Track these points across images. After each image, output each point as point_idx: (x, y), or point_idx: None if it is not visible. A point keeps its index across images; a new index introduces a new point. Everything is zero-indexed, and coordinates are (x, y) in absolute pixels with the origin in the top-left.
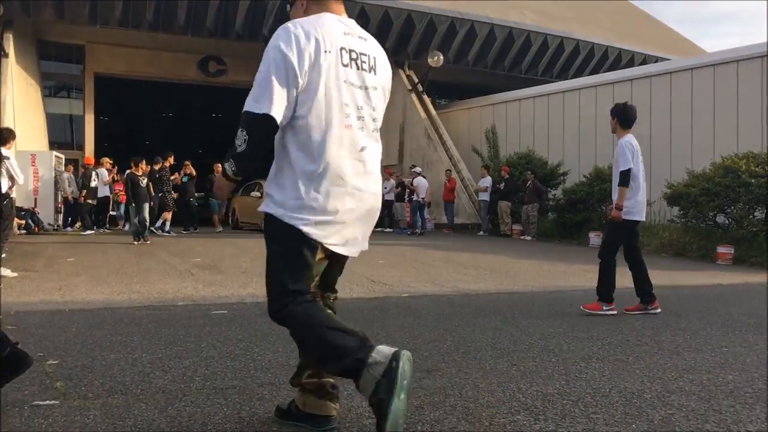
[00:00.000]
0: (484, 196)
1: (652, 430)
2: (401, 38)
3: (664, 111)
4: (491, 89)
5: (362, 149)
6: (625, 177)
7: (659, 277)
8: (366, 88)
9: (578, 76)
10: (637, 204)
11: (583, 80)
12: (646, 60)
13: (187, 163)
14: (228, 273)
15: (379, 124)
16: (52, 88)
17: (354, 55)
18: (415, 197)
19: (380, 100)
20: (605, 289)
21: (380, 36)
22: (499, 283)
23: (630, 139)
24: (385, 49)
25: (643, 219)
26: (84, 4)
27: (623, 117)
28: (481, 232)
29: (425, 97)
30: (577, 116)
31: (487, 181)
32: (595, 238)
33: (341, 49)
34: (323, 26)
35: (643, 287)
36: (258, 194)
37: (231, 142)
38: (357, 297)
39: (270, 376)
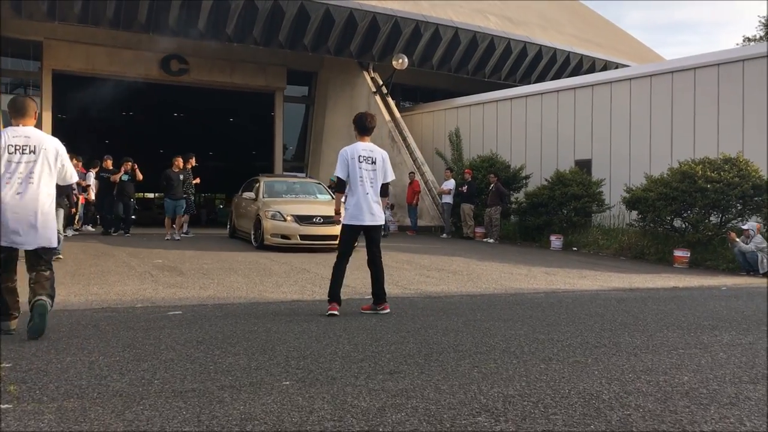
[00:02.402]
0: (448, 199)
1: (610, 431)
2: (366, 40)
3: (623, 116)
4: (455, 93)
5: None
6: (336, 184)
7: (618, 279)
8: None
9: (541, 81)
10: (356, 209)
11: (546, 85)
12: (606, 66)
13: (128, 160)
14: (189, 275)
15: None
16: (9, 84)
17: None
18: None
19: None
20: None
21: (344, 38)
22: (462, 285)
23: (350, 147)
24: (350, 51)
25: (365, 224)
26: (42, 2)
27: (357, 125)
28: (445, 235)
29: (389, 99)
30: (540, 120)
31: (450, 183)
32: (556, 242)
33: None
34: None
35: (374, 289)
36: (253, 194)
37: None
38: (320, 299)
39: (231, 379)
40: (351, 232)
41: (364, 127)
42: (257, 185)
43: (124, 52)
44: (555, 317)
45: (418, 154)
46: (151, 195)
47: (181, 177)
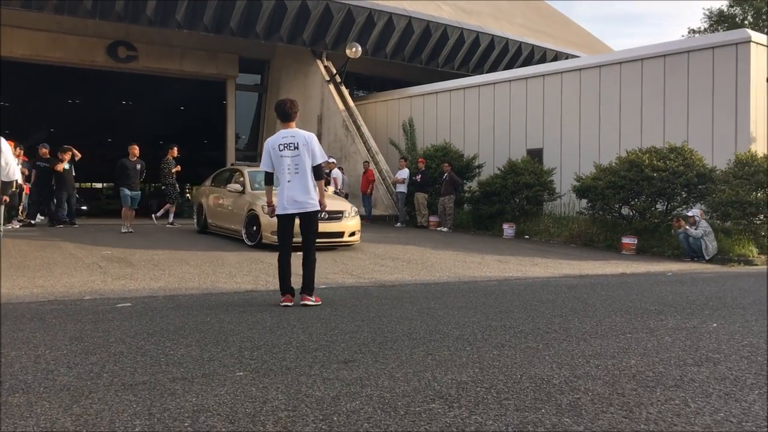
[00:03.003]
0: (402, 188)
1: (560, 414)
2: (319, 29)
3: (573, 106)
4: (409, 82)
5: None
6: (265, 177)
7: (569, 266)
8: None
9: (493, 71)
10: (280, 199)
11: (498, 75)
12: (557, 57)
13: (68, 149)
14: (139, 266)
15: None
16: None
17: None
18: (332, 189)
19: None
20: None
21: (297, 26)
22: (416, 274)
23: (273, 137)
24: (303, 40)
25: (289, 212)
26: None
27: (278, 112)
28: (399, 224)
29: (343, 88)
30: (492, 110)
31: (404, 173)
32: (508, 230)
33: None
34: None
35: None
36: (239, 186)
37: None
38: (274, 289)
39: (183, 371)
40: (281, 223)
41: (285, 113)
42: (240, 177)
43: (69, 38)
44: (507, 304)
45: (372, 143)
46: (99, 185)
47: (138, 166)
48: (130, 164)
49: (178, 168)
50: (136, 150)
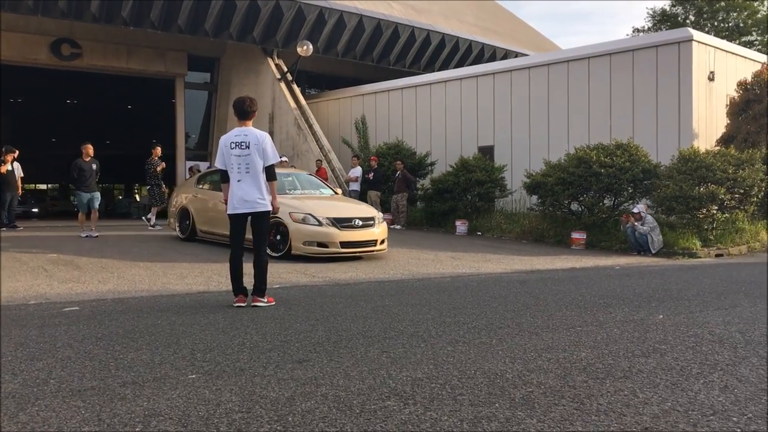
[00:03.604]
0: (355, 186)
1: (514, 408)
2: (269, 27)
3: (523, 104)
4: (361, 80)
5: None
6: (220, 175)
7: (520, 262)
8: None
9: (444, 69)
10: (230, 198)
11: (449, 73)
12: (507, 55)
13: (11, 150)
14: (86, 269)
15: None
16: None
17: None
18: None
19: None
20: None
21: (247, 23)
22: (370, 272)
23: (226, 134)
24: (253, 37)
25: (238, 212)
26: None
27: (236, 109)
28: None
29: (295, 86)
30: (444, 108)
31: (357, 171)
32: (461, 227)
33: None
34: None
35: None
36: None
37: (89, 128)
38: (227, 290)
39: (133, 375)
40: (232, 222)
41: (242, 111)
42: None
43: (11, 35)
44: (461, 300)
45: (324, 141)
46: (43, 186)
47: (94, 166)
48: (85, 165)
49: (163, 165)
50: (90, 150)
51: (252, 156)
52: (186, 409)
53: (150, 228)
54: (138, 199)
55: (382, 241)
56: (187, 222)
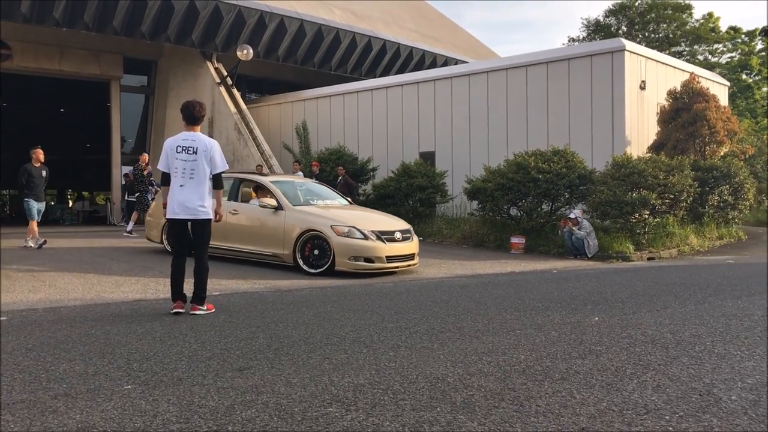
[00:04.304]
0: None
1: (455, 412)
2: (208, 30)
3: (463, 110)
4: (302, 85)
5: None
6: (161, 177)
7: (461, 267)
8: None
9: (386, 75)
10: (171, 202)
11: (390, 79)
12: (447, 62)
13: None
14: (15, 278)
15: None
16: None
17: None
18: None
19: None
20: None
21: (185, 26)
22: (311, 278)
23: (173, 137)
24: (191, 40)
25: (178, 218)
26: None
27: (184, 113)
28: None
29: (235, 90)
30: (385, 114)
31: (298, 176)
32: None
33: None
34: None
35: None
36: (274, 202)
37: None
38: (165, 297)
39: (65, 387)
40: (171, 227)
41: (191, 116)
42: (267, 191)
43: None
44: (402, 305)
45: (265, 146)
46: None
47: (44, 173)
48: (35, 171)
49: (149, 168)
50: (41, 155)
51: (198, 162)
52: (121, 421)
53: (125, 234)
54: (71, 204)
55: (416, 255)
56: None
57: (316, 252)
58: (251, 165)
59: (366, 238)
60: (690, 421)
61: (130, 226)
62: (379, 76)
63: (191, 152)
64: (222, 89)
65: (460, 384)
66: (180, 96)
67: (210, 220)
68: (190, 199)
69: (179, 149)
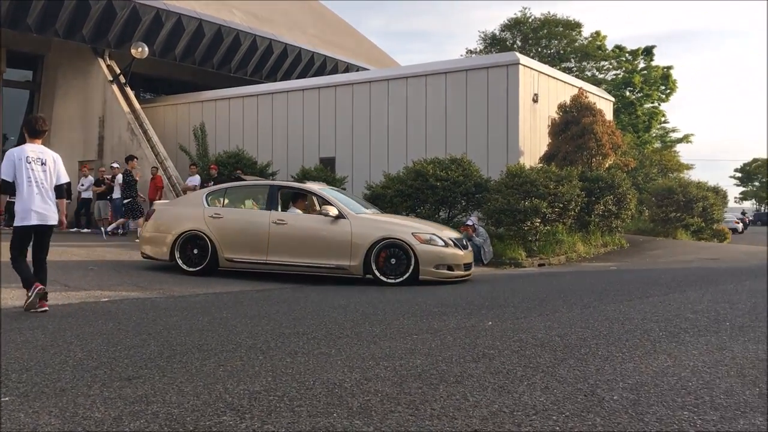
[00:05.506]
0: None
1: (351, 417)
2: (101, 26)
3: (364, 117)
4: (200, 86)
5: None
6: (2, 186)
7: None
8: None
9: (287, 79)
10: (24, 211)
11: (291, 83)
12: (348, 68)
13: None
14: None
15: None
16: None
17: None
18: (116, 195)
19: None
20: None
21: (76, 21)
22: (208, 284)
23: (17, 148)
24: (82, 36)
25: (33, 223)
26: None
27: (27, 127)
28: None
29: (128, 89)
30: (286, 118)
31: (195, 179)
32: None
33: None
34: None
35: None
36: (335, 210)
37: None
38: (49, 304)
39: None
40: (24, 233)
41: (34, 130)
42: (312, 197)
43: None
44: (300, 311)
45: (160, 148)
46: None
47: None
48: None
49: (139, 175)
50: None
51: (47, 174)
52: None
53: (105, 238)
54: None
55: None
56: (199, 250)
57: (392, 261)
58: (146, 167)
59: (447, 245)
60: (575, 421)
61: (110, 228)
62: (281, 80)
63: (41, 163)
64: (115, 87)
65: (357, 389)
66: (69, 93)
67: (53, 226)
68: (45, 207)
69: (30, 160)
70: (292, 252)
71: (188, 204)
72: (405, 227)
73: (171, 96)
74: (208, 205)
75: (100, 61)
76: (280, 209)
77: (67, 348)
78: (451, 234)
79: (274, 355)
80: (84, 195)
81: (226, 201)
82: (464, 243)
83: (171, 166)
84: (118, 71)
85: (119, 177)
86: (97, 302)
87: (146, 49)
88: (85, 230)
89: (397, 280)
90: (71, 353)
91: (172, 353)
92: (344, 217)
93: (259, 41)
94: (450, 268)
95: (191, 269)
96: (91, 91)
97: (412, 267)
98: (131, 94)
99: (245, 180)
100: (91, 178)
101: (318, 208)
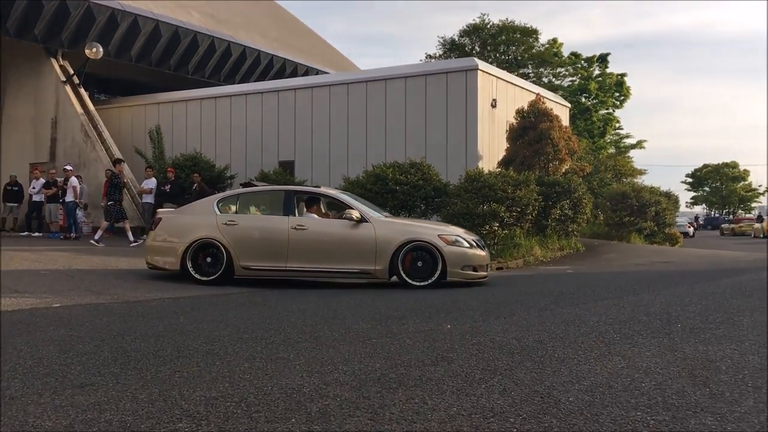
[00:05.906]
0: (149, 198)
1: (310, 422)
2: (54, 25)
3: (323, 120)
4: (157, 88)
5: None
6: None
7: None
8: None
9: (245, 81)
10: None
11: (250, 86)
12: (308, 71)
13: None
14: None
15: None
16: None
17: None
18: (69, 198)
19: None
20: None
21: (28, 20)
22: (164, 288)
23: None
24: (34, 35)
25: None
26: None
27: None
28: (145, 236)
29: (82, 90)
30: (245, 121)
31: (151, 182)
32: None
33: None
34: None
35: None
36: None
37: None
38: None
39: None
40: None
41: None
42: (330, 202)
43: None
44: (259, 316)
45: (115, 150)
46: None
47: None
48: None
49: (126, 181)
50: None
51: None
52: None
53: (94, 242)
54: None
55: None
56: (213, 259)
57: (419, 264)
58: (99, 169)
59: (471, 246)
60: (532, 423)
61: (99, 234)
62: (239, 83)
63: None
64: (68, 88)
65: (316, 394)
66: (20, 94)
67: None
68: None
69: None
70: (313, 258)
71: (198, 211)
72: (430, 229)
73: (126, 98)
74: (220, 212)
75: (53, 61)
76: (298, 214)
77: (16, 355)
78: (471, 236)
79: (231, 360)
80: (35, 198)
81: (239, 208)
82: (483, 244)
83: (126, 169)
84: (72, 72)
85: (73, 179)
86: (49, 308)
87: (101, 49)
88: (36, 234)
89: (424, 283)
90: (21, 361)
91: (126, 359)
92: (367, 221)
93: (217, 43)
94: (475, 269)
95: (204, 278)
96: (43, 91)
97: (440, 269)
98: (85, 95)
99: (257, 186)
100: (42, 181)
101: (324, 211)
